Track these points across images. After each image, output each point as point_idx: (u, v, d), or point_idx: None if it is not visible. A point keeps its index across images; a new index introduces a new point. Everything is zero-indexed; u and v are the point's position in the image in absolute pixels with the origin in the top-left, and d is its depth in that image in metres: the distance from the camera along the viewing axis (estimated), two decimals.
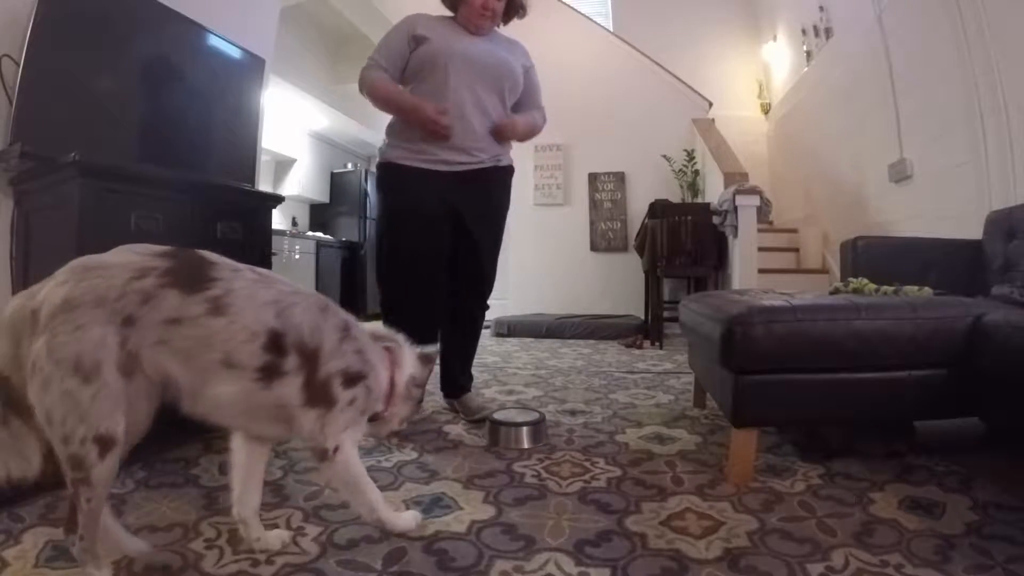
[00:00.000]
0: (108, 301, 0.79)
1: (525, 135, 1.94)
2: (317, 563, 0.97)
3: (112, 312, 0.79)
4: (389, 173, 1.82)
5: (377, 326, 1.14)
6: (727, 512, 1.17)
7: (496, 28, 1.91)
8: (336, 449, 0.96)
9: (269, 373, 0.88)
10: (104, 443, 0.78)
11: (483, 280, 1.93)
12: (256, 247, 1.89)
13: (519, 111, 1.94)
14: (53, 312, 0.77)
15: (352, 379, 0.96)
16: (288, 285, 0.96)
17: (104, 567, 0.86)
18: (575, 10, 5.63)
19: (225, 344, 0.85)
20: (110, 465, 0.80)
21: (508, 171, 1.95)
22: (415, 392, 1.13)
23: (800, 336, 1.30)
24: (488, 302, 2.01)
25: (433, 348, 1.21)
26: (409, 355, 1.11)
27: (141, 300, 0.81)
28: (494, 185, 1.89)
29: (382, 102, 1.81)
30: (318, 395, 0.93)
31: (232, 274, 0.88)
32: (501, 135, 1.86)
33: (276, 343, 0.88)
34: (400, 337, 1.13)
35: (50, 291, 0.79)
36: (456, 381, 1.99)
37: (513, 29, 1.96)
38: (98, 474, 0.79)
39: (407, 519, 1.09)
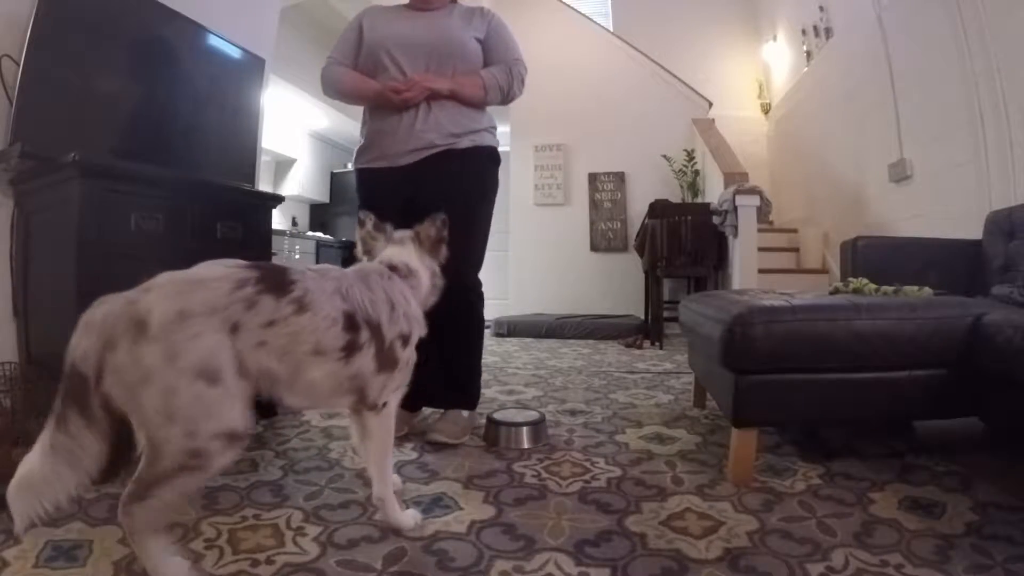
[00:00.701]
0: (219, 310, 0.86)
1: (459, 83, 1.70)
2: (317, 563, 0.97)
3: (223, 320, 0.86)
4: (356, 179, 1.82)
5: (392, 255, 1.20)
6: (727, 512, 1.17)
7: (455, 0, 1.82)
8: (384, 404, 1.10)
9: (350, 350, 1.00)
10: (231, 438, 0.85)
11: (456, 255, 1.51)
12: (256, 247, 1.89)
13: None
14: (168, 322, 0.81)
15: (405, 340, 1.11)
16: (335, 269, 1.08)
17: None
18: (575, 10, 5.63)
19: (313, 335, 0.95)
20: (230, 457, 0.86)
21: (474, 152, 1.74)
22: (438, 282, 1.27)
23: (800, 336, 1.30)
24: (482, 294, 1.82)
25: (439, 217, 1.26)
26: (423, 267, 1.22)
27: (245, 307, 0.88)
28: (454, 167, 1.69)
29: (350, 93, 1.77)
30: (386, 360, 1.06)
31: (302, 275, 0.98)
32: (402, 95, 1.63)
33: (351, 322, 1.00)
34: (410, 257, 1.21)
35: (159, 302, 0.82)
36: (452, 386, 1.78)
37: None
38: (216, 466, 0.85)
39: (407, 518, 1.11)
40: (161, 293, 0.84)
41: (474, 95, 1.74)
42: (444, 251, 1.29)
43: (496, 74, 1.76)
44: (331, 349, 0.98)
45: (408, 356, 1.12)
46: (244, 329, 0.88)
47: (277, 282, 0.93)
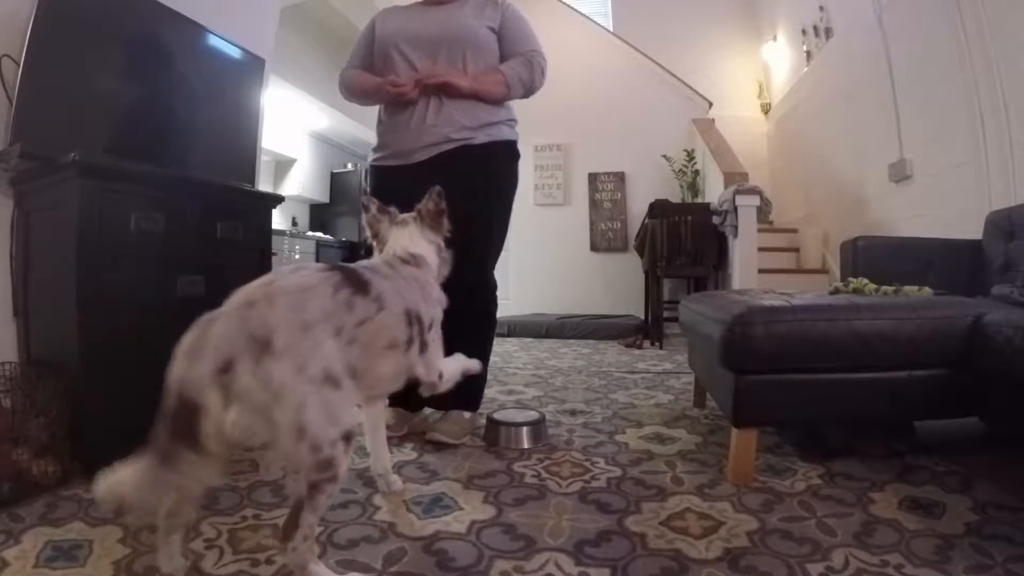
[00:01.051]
0: (329, 316, 0.87)
1: (478, 80, 1.65)
2: None
3: (333, 325, 0.87)
4: (370, 176, 1.81)
5: (398, 247, 1.22)
6: (727, 512, 1.17)
7: None
8: (440, 375, 1.19)
9: (410, 342, 1.06)
10: (348, 438, 0.86)
11: (472, 256, 1.57)
12: (256, 247, 1.89)
13: None
14: (294, 335, 0.80)
15: (432, 324, 1.17)
16: (379, 266, 1.12)
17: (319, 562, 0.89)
18: (575, 10, 5.63)
19: (389, 330, 1.01)
20: (350, 455, 0.88)
21: (491, 148, 1.68)
22: (445, 256, 1.31)
23: (800, 336, 1.30)
24: (496, 297, 1.80)
25: (435, 190, 1.29)
26: (429, 249, 1.26)
27: (345, 310, 0.91)
28: (465, 165, 1.64)
29: (358, 93, 1.78)
30: (424, 345, 1.12)
31: (369, 275, 1.01)
32: (429, 86, 1.61)
33: (409, 317, 1.06)
34: (415, 242, 1.24)
35: (279, 314, 0.81)
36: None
37: None
38: (344, 467, 0.85)
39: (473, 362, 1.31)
40: (277, 306, 0.81)
41: (497, 93, 1.68)
42: (446, 223, 1.31)
43: (517, 68, 1.70)
44: (400, 343, 1.03)
45: (437, 334, 1.19)
46: (344, 331, 0.89)
47: (359, 282, 0.96)
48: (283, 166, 5.77)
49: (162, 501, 0.75)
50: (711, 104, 5.34)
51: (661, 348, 3.91)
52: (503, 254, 1.88)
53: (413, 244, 1.23)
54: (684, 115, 5.25)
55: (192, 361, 0.76)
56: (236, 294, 0.84)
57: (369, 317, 0.95)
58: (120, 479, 0.75)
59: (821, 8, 4.60)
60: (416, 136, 1.66)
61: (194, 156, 2.04)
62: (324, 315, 0.86)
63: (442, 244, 1.30)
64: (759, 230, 3.78)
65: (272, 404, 0.77)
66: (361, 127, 5.97)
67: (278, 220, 4.99)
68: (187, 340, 0.78)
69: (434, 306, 1.17)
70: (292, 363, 0.78)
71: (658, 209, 4.12)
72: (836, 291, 1.69)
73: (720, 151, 4.49)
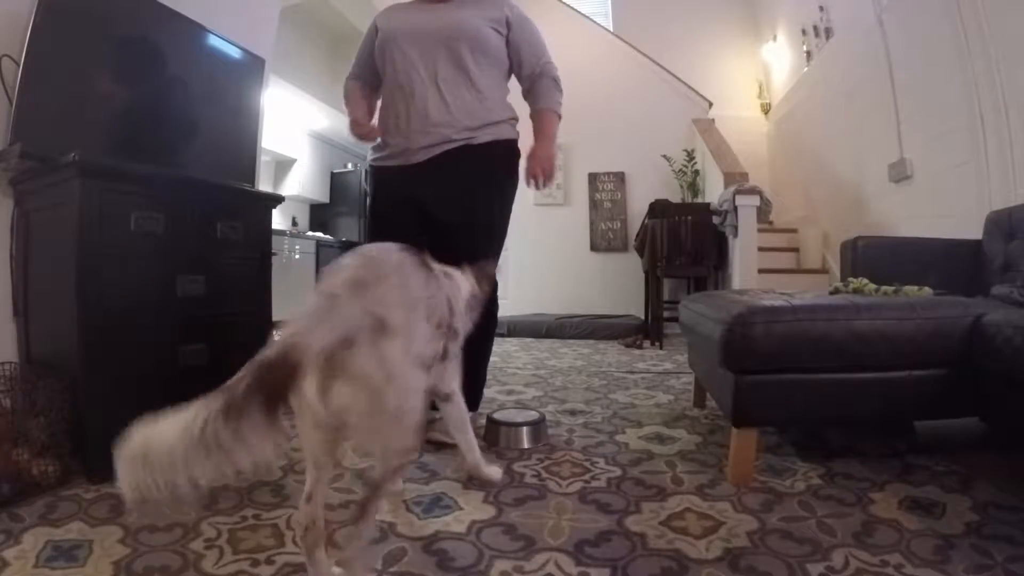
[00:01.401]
0: (424, 292, 0.91)
1: (553, 135, 1.77)
2: None
3: (424, 302, 0.90)
4: (370, 176, 1.82)
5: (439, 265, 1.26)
6: (727, 512, 1.18)
7: None
8: (452, 392, 1.21)
9: (449, 330, 1.09)
10: (421, 427, 0.85)
11: (470, 255, 1.51)
12: (256, 247, 1.89)
13: (525, 84, 1.78)
14: (405, 313, 0.80)
15: (456, 334, 1.17)
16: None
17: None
18: (575, 10, 5.63)
19: (439, 310, 1.03)
20: None
21: (493, 148, 1.67)
22: (475, 304, 1.31)
23: (800, 336, 1.30)
24: (496, 298, 1.77)
25: (488, 264, 1.37)
26: (462, 280, 1.25)
27: (425, 287, 0.95)
28: (466, 165, 1.63)
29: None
30: (448, 348, 1.13)
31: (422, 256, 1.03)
32: (543, 178, 1.73)
33: (449, 304, 1.09)
34: (459, 278, 1.26)
35: (391, 294, 0.81)
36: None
37: None
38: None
39: (494, 471, 1.33)
40: (387, 284, 0.81)
41: (557, 126, 1.79)
42: (486, 288, 1.37)
43: (556, 96, 1.79)
44: (444, 324, 1.06)
45: (457, 348, 1.20)
46: (422, 308, 0.91)
47: (424, 262, 1.00)
48: (283, 166, 5.78)
49: (198, 469, 0.61)
50: (711, 104, 5.33)
51: (661, 348, 3.91)
52: (503, 253, 1.86)
53: (450, 268, 1.25)
54: (684, 115, 5.25)
55: (314, 326, 0.72)
56: (337, 274, 0.80)
57: (432, 295, 0.98)
58: (160, 429, 0.63)
59: (821, 8, 4.60)
60: (417, 136, 1.66)
61: (194, 156, 2.04)
62: (422, 292, 0.89)
63: (475, 289, 1.31)
64: (759, 230, 3.77)
65: (385, 385, 0.76)
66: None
67: (278, 220, 4.99)
68: (311, 305, 0.75)
69: (460, 320, 1.17)
70: (403, 343, 0.78)
71: (658, 209, 4.12)
72: (836, 291, 1.69)
73: (720, 151, 4.49)
